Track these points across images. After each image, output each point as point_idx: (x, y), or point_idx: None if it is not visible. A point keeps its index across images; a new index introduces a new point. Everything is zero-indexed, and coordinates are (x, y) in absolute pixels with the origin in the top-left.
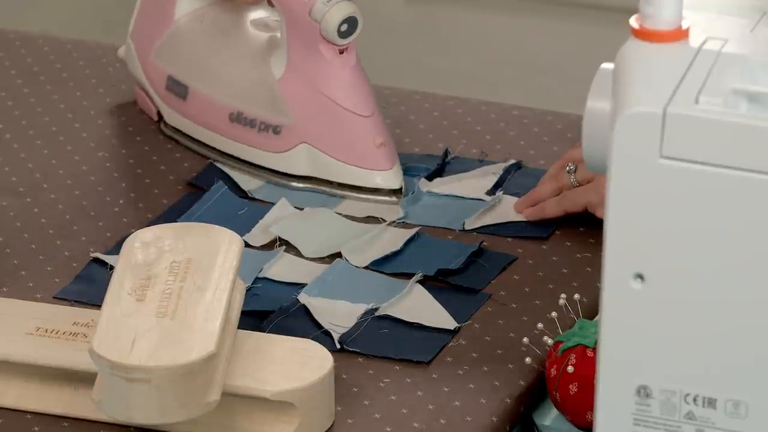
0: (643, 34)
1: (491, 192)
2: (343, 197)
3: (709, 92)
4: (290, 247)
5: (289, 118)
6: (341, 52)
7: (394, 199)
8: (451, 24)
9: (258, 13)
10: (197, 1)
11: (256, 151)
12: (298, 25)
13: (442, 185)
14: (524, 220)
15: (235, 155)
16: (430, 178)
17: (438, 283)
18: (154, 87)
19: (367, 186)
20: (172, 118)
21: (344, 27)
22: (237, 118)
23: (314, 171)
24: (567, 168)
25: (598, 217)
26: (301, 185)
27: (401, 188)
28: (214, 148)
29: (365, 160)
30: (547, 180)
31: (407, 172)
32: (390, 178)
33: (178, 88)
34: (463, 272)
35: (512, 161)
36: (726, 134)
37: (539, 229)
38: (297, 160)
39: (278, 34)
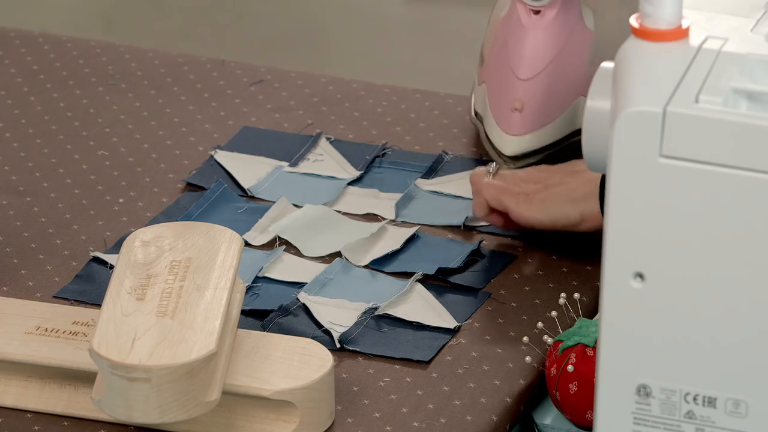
0: (643, 33)
1: None
2: (342, 193)
3: (709, 91)
4: (290, 246)
5: (487, 55)
6: (535, 13)
7: (502, 163)
8: (451, 23)
9: None
10: None
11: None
12: None
13: (439, 184)
14: None
15: None
16: (427, 176)
17: (438, 282)
18: None
19: (489, 141)
20: None
21: None
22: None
23: (480, 109)
24: (488, 168)
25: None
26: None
27: (515, 156)
28: None
29: (500, 118)
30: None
31: (402, 170)
32: (509, 142)
33: None
34: (463, 271)
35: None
36: (726, 133)
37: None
38: (477, 96)
39: None
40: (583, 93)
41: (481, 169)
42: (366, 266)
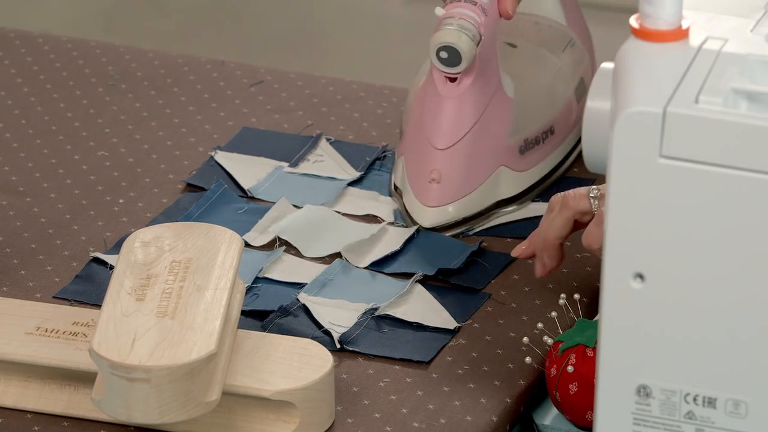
0: (643, 34)
1: None
2: (342, 194)
3: (709, 92)
4: (290, 247)
5: (405, 128)
6: (452, 81)
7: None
8: None
9: None
10: None
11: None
12: None
13: None
14: (524, 218)
15: None
16: None
17: (438, 283)
18: None
19: (408, 214)
20: None
21: (443, 54)
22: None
23: (399, 183)
24: (591, 193)
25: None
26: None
27: (434, 228)
28: None
29: (418, 190)
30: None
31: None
32: (427, 214)
33: None
34: (463, 272)
35: None
36: (725, 134)
37: None
38: (396, 170)
39: None
40: (504, 163)
41: (580, 195)
42: (366, 267)
